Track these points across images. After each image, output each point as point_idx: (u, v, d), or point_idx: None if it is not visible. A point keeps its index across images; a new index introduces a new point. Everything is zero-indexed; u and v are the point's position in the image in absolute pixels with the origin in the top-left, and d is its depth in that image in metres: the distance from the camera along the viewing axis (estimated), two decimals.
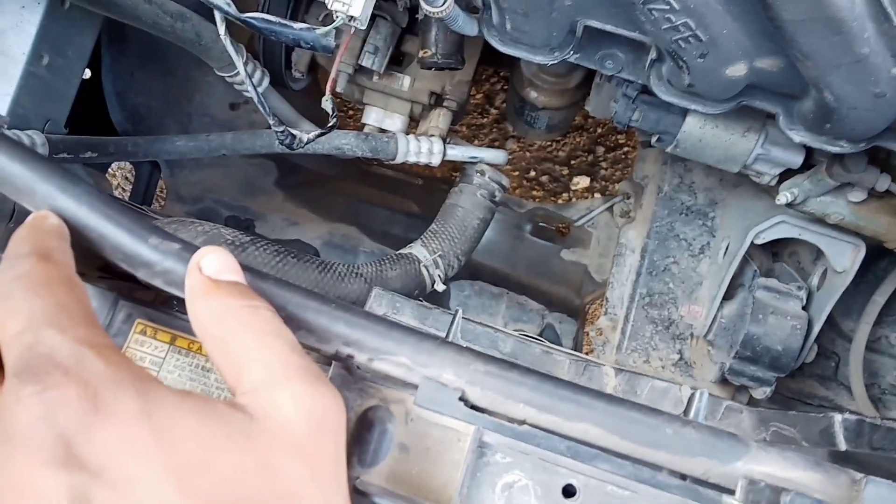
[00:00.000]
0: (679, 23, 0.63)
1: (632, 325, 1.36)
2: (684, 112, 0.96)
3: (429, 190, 1.58)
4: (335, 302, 0.49)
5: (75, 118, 1.04)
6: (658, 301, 1.35)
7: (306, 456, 0.38)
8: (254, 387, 0.39)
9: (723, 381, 1.24)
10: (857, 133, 0.73)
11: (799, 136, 0.79)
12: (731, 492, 0.46)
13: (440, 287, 1.13)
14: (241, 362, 0.40)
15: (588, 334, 1.65)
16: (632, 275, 1.39)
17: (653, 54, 0.76)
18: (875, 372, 1.43)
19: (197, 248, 0.47)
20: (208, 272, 0.42)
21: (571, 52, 0.79)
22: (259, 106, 0.80)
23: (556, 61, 0.80)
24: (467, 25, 0.78)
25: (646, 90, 0.98)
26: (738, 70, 0.69)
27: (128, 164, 1.72)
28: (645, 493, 0.47)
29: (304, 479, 0.37)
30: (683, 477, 0.47)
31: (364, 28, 0.73)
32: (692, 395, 0.52)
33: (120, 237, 0.47)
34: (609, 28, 0.71)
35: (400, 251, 1.15)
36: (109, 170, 1.72)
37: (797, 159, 0.97)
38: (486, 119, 1.96)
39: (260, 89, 1.06)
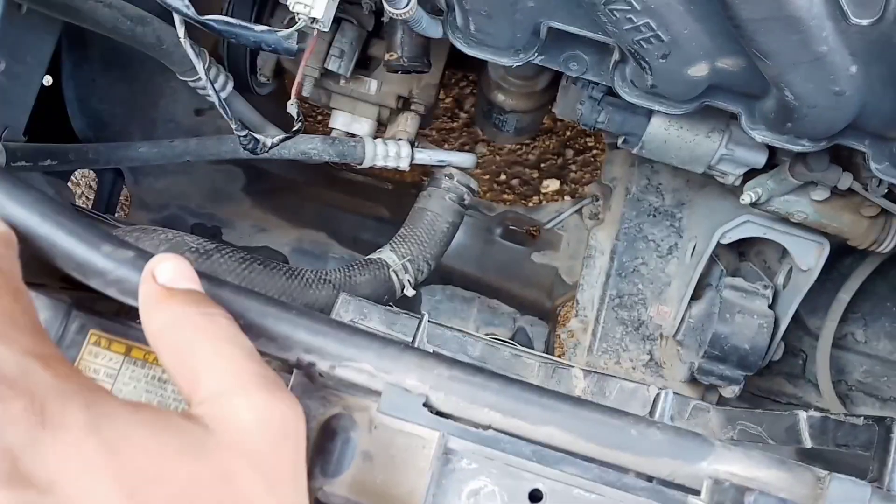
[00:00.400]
0: (640, 23, 0.63)
1: (602, 327, 1.36)
2: (649, 114, 0.96)
3: (399, 195, 1.57)
4: (296, 308, 0.48)
5: (35, 126, 1.01)
6: (628, 302, 1.36)
7: (263, 467, 0.37)
8: (209, 396, 0.38)
9: (692, 380, 1.25)
10: (818, 131, 0.74)
11: (761, 136, 0.79)
12: (697, 492, 0.46)
13: (410, 292, 1.13)
14: (197, 371, 0.39)
15: (560, 337, 1.65)
16: (601, 276, 1.39)
17: (616, 56, 0.76)
18: (842, 368, 1.45)
19: (151, 255, 0.46)
20: (162, 280, 0.41)
21: (536, 54, 0.79)
22: (220, 110, 0.78)
23: (520, 63, 0.80)
24: (431, 27, 0.78)
25: (611, 92, 0.98)
26: (699, 70, 0.69)
27: (91, 172, 1.68)
28: (611, 495, 0.46)
29: (260, 491, 0.36)
30: (650, 479, 0.47)
31: (327, 30, 0.72)
32: (657, 396, 0.52)
33: (71, 245, 0.45)
34: (572, 29, 0.71)
35: (369, 256, 1.14)
36: (72, 178, 1.68)
37: (760, 159, 0.98)
38: (455, 123, 1.96)
39: (224, 94, 1.05)
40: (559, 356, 1.43)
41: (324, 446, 0.47)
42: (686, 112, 0.79)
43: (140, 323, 0.50)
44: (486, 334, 1.39)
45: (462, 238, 1.50)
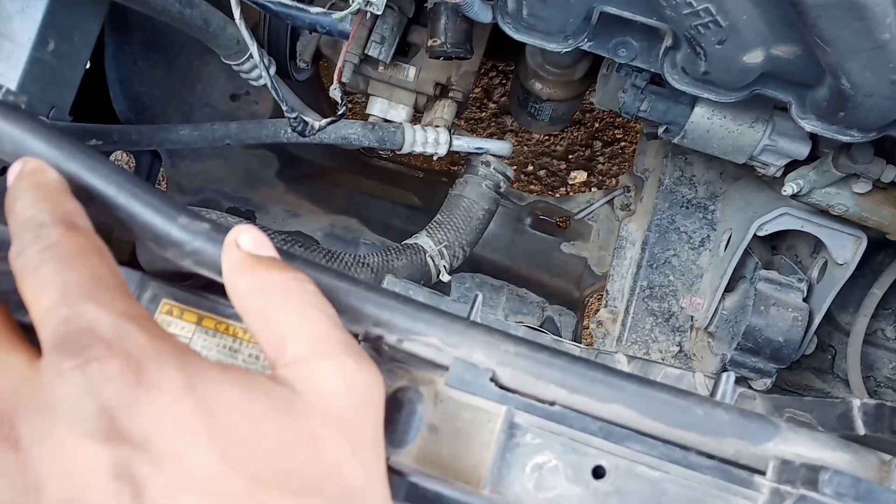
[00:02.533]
0: (700, 8, 0.63)
1: (632, 318, 1.36)
2: (692, 102, 0.96)
3: (429, 182, 1.57)
4: (365, 283, 0.49)
5: (78, 107, 1.03)
6: (658, 293, 1.36)
7: (349, 431, 0.37)
8: (296, 359, 0.38)
9: (723, 371, 1.25)
10: (870, 121, 0.74)
11: (811, 125, 0.79)
12: (762, 472, 0.46)
13: (445, 277, 1.13)
14: (283, 335, 0.39)
15: (588, 327, 1.66)
16: (632, 267, 1.39)
17: (668, 41, 0.76)
18: (871, 364, 1.44)
19: (227, 228, 0.47)
20: (246, 247, 0.42)
21: (585, 40, 0.79)
22: (272, 92, 0.79)
23: (569, 49, 0.80)
24: (482, 12, 0.78)
25: (654, 80, 0.98)
26: (755, 57, 0.69)
27: (125, 155, 1.70)
28: (676, 473, 0.47)
29: (346, 454, 0.37)
30: (713, 458, 0.47)
31: (380, 13, 0.73)
32: (719, 378, 0.52)
33: (149, 217, 0.46)
34: (626, 14, 0.71)
35: (405, 241, 1.15)
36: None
37: (804, 150, 0.97)
38: (484, 113, 1.96)
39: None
40: (587, 346, 1.43)
41: (391, 417, 0.48)
42: (735, 100, 0.79)
43: (210, 294, 0.51)
44: (516, 322, 1.40)
45: (492, 227, 1.50)
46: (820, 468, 0.40)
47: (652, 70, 0.82)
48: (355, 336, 0.49)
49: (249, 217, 1.45)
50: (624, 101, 0.99)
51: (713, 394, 0.52)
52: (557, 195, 1.85)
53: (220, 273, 0.47)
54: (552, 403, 0.48)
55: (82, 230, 0.40)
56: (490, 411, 0.48)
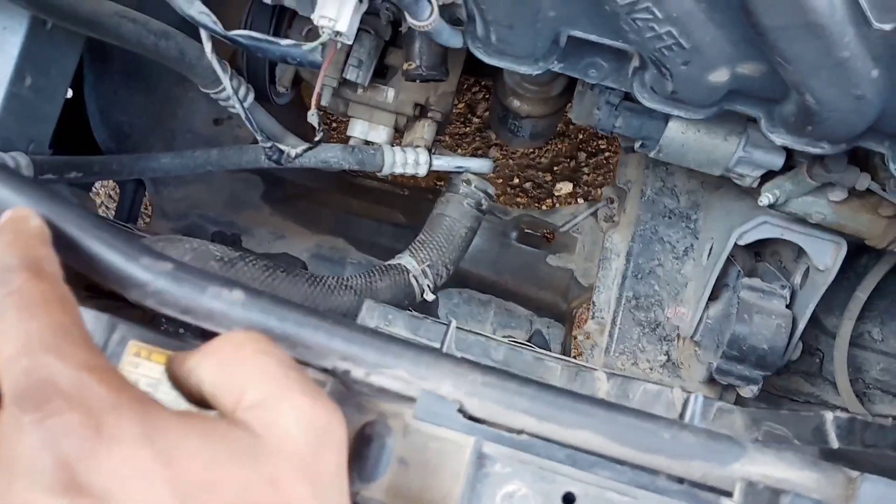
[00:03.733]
0: (663, 31, 0.64)
1: (619, 328, 1.37)
2: (666, 118, 0.97)
3: (414, 200, 1.58)
4: (332, 317, 0.49)
5: (58, 138, 1.03)
6: (644, 304, 1.37)
7: (309, 472, 0.38)
8: (254, 403, 0.39)
9: (710, 380, 1.26)
10: (839, 134, 0.74)
11: (780, 139, 0.80)
12: (729, 494, 0.47)
13: (430, 297, 1.14)
14: (241, 383, 0.40)
15: (576, 338, 1.66)
16: (617, 278, 1.40)
17: (636, 62, 0.77)
18: (859, 367, 1.45)
19: (189, 267, 0.47)
20: None
21: (555, 62, 0.80)
22: (246, 122, 0.80)
23: (540, 71, 0.81)
24: (452, 38, 0.79)
25: (628, 97, 0.99)
26: (720, 76, 0.70)
27: (111, 181, 1.70)
28: (644, 498, 0.47)
29: (307, 495, 0.37)
30: (681, 481, 0.48)
31: (350, 42, 0.73)
32: (687, 399, 0.52)
33: (111, 258, 0.47)
34: (593, 38, 0.72)
35: (389, 262, 1.15)
36: (93, 188, 1.70)
37: (778, 161, 0.98)
38: (468, 128, 1.97)
39: (245, 104, 1.06)
40: (576, 358, 1.43)
41: (360, 452, 0.48)
42: (705, 117, 0.80)
43: (172, 329, 0.51)
44: (504, 336, 1.40)
45: (478, 242, 1.51)
46: (781, 492, 0.40)
47: (623, 89, 0.83)
48: (324, 371, 0.49)
49: (235, 241, 1.45)
50: (599, 118, 1.00)
51: (682, 415, 0.53)
52: (544, 207, 1.86)
53: (183, 312, 0.47)
54: (520, 432, 0.49)
55: (48, 277, 0.41)
56: (459, 442, 0.48)
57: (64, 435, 0.34)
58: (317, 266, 1.46)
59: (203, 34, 0.74)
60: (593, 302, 1.43)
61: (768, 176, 1.03)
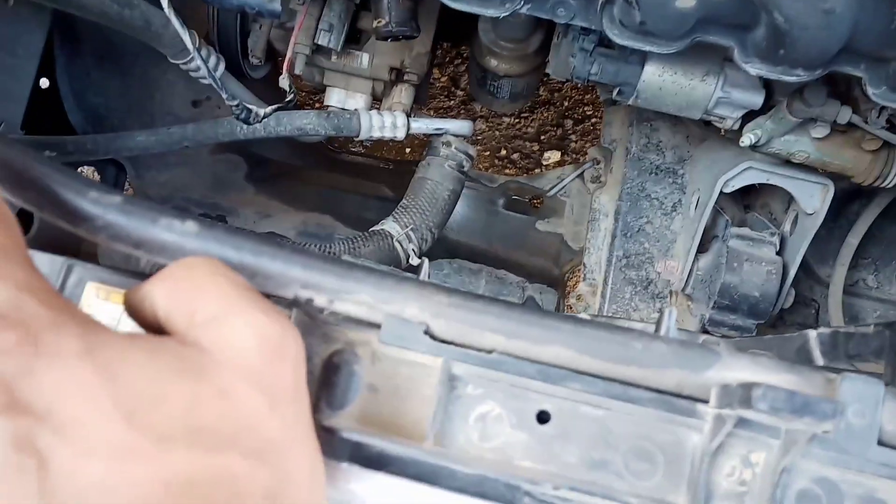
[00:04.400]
0: None
1: (611, 288, 1.36)
2: (642, 61, 0.96)
3: (399, 173, 1.57)
4: (290, 246, 0.48)
5: (35, 126, 1.02)
6: (635, 262, 1.36)
7: (263, 385, 0.37)
8: (205, 320, 0.37)
9: (704, 333, 1.24)
10: (812, 56, 0.73)
11: (755, 69, 0.79)
12: (706, 401, 0.46)
13: (415, 261, 1.13)
14: (193, 302, 0.39)
15: (570, 306, 1.65)
16: (607, 238, 1.39)
17: None
18: (855, 315, 1.44)
19: (138, 201, 0.46)
20: None
21: (522, 2, 0.78)
22: (212, 82, 0.79)
23: (507, 13, 0.79)
24: None
25: (602, 43, 0.97)
26: (687, 1, 0.69)
27: (92, 169, 1.69)
28: (619, 409, 0.46)
29: (261, 408, 0.36)
30: (657, 392, 0.47)
31: None
32: (661, 314, 0.51)
33: (60, 192, 0.46)
34: None
35: (372, 228, 1.14)
36: None
37: (757, 100, 0.97)
38: (452, 101, 1.96)
39: (217, 74, 1.05)
40: None
41: (328, 381, 0.47)
42: (678, 50, 0.79)
43: (139, 274, 0.50)
44: None
45: (466, 211, 1.50)
46: (753, 385, 0.39)
47: (593, 27, 0.82)
48: (287, 303, 0.48)
49: (221, 222, 1.44)
50: (574, 66, 0.98)
51: (657, 329, 0.52)
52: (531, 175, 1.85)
53: (135, 246, 0.46)
54: (490, 351, 0.47)
55: None
56: (428, 365, 0.47)
57: (1, 353, 0.33)
58: (304, 242, 1.44)
59: None
60: (584, 264, 1.41)
61: (749, 118, 1.02)
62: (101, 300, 0.49)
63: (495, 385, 0.47)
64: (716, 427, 0.44)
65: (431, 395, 0.47)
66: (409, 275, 0.56)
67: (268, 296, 0.48)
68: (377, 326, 0.48)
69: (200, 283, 0.40)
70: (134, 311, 0.43)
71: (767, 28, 0.71)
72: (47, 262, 0.49)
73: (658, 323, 0.52)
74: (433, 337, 0.47)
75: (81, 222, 0.45)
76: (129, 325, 0.49)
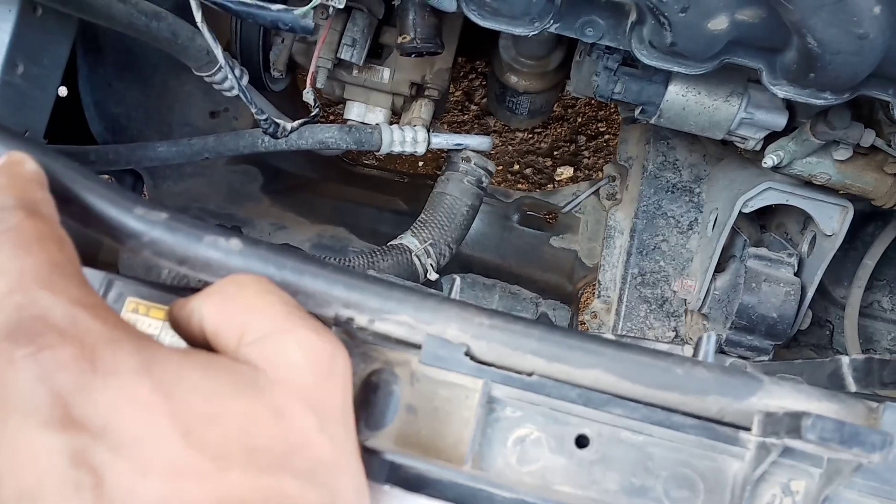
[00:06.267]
0: None
1: (626, 306, 1.35)
2: (666, 80, 0.96)
3: (415, 186, 1.57)
4: (332, 265, 0.48)
5: (55, 135, 1.02)
6: (650, 280, 1.35)
7: (314, 404, 0.37)
8: (256, 338, 0.37)
9: (720, 353, 1.24)
10: (842, 81, 0.73)
11: (783, 91, 0.79)
12: (748, 429, 0.46)
13: (433, 276, 1.12)
14: (244, 320, 0.39)
15: (583, 323, 1.65)
16: (622, 256, 1.39)
17: (633, 16, 0.76)
18: (869, 337, 1.43)
19: (184, 217, 0.46)
20: None
21: (551, 21, 0.79)
22: (241, 94, 0.79)
23: (536, 32, 0.80)
24: (445, 0, 0.78)
25: (626, 62, 0.98)
26: (720, 23, 0.69)
27: (109, 177, 1.69)
28: (660, 435, 0.46)
29: (312, 427, 0.36)
30: (698, 418, 0.46)
31: (341, 6, 0.72)
32: (700, 339, 0.51)
33: (105, 208, 0.46)
34: None
35: (390, 242, 1.14)
36: None
37: (781, 121, 0.97)
38: (466, 116, 1.96)
39: (241, 84, 1.05)
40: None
41: (367, 400, 0.47)
42: (706, 71, 0.79)
43: (178, 290, 0.50)
44: None
45: (480, 226, 1.50)
46: (802, 414, 0.39)
47: (621, 48, 0.82)
48: (326, 319, 0.48)
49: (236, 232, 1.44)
50: (598, 84, 0.99)
51: (695, 354, 0.51)
52: (545, 191, 1.85)
53: (179, 262, 0.46)
54: (530, 374, 0.47)
55: (44, 218, 0.40)
56: (467, 386, 0.47)
57: (58, 369, 0.33)
58: (319, 255, 1.45)
59: (193, 2, 0.73)
60: (599, 281, 1.41)
61: (771, 139, 1.02)
62: (140, 315, 0.50)
63: (535, 408, 0.47)
64: (759, 455, 0.44)
65: (470, 418, 0.47)
66: (450, 297, 0.56)
67: (309, 314, 0.48)
68: (417, 347, 0.48)
69: (251, 301, 0.40)
70: (179, 325, 0.43)
71: (798, 51, 0.71)
72: (88, 277, 0.50)
73: (696, 347, 0.52)
74: (473, 358, 0.47)
75: (127, 238, 0.45)
76: (169, 339, 0.49)
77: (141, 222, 0.45)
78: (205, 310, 0.40)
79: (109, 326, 0.36)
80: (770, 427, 0.43)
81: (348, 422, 0.39)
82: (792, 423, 0.40)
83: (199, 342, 0.41)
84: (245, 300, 0.40)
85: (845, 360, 0.59)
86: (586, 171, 1.92)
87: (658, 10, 0.67)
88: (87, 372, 0.34)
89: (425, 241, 1.12)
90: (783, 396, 0.46)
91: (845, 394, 0.49)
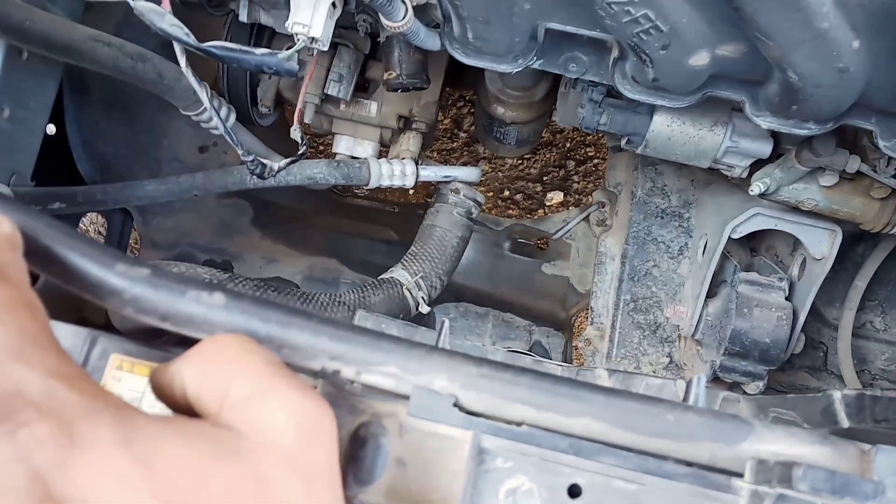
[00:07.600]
0: (639, 15, 0.63)
1: (619, 333, 1.35)
2: (651, 111, 0.96)
3: (405, 217, 1.57)
4: (317, 317, 0.48)
5: (42, 174, 1.02)
6: (643, 306, 1.35)
7: (299, 468, 0.36)
8: (239, 400, 0.37)
9: (715, 379, 1.24)
10: (824, 112, 0.74)
11: (766, 122, 0.79)
12: (740, 475, 0.45)
13: (425, 308, 1.12)
14: (226, 381, 0.38)
15: (577, 348, 1.64)
16: (614, 282, 1.39)
17: (615, 52, 0.76)
18: (863, 357, 1.43)
19: (166, 272, 0.46)
20: None
21: (535, 58, 0.79)
22: (226, 137, 0.79)
23: (519, 69, 0.80)
24: (429, 40, 0.78)
25: (611, 93, 0.98)
26: (701, 59, 0.70)
27: (99, 218, 1.69)
28: (652, 484, 0.45)
29: (298, 492, 0.35)
30: (690, 465, 0.46)
31: (326, 48, 0.73)
32: (690, 381, 0.51)
33: (86, 266, 0.45)
34: (570, 29, 0.72)
35: (381, 276, 1.14)
36: (81, 224, 1.69)
37: (766, 149, 0.97)
38: (455, 143, 1.97)
39: (227, 124, 1.05)
40: (579, 366, 1.41)
41: (355, 454, 0.47)
42: (689, 104, 0.79)
43: (163, 345, 0.50)
44: (503, 349, 1.38)
45: (472, 254, 1.50)
46: (793, 464, 0.38)
47: (604, 82, 0.82)
48: (314, 374, 0.48)
49: (226, 267, 1.44)
50: (583, 116, 0.99)
51: (685, 398, 0.51)
52: (535, 217, 1.85)
53: (162, 319, 0.45)
54: (520, 424, 0.47)
55: (13, 282, 0.39)
56: (457, 438, 0.47)
57: (36, 446, 0.33)
58: (310, 288, 1.44)
59: (177, 48, 0.73)
60: (591, 307, 1.41)
61: (757, 166, 1.03)
62: (125, 372, 0.49)
63: (525, 459, 0.46)
64: (752, 503, 0.44)
65: (461, 470, 0.46)
66: (438, 345, 0.55)
67: (295, 367, 0.47)
68: (405, 398, 0.47)
69: (232, 362, 0.39)
70: (161, 391, 0.42)
71: (780, 84, 0.71)
72: (71, 334, 0.49)
73: (686, 391, 0.51)
74: (462, 409, 0.47)
75: (108, 296, 0.45)
76: (152, 398, 0.49)
77: (123, 279, 0.45)
78: (186, 373, 0.39)
79: (87, 397, 0.35)
80: (762, 475, 0.43)
81: (335, 484, 0.38)
82: (784, 473, 0.40)
83: (182, 407, 0.40)
84: (226, 361, 0.39)
85: (837, 395, 0.58)
86: (576, 196, 1.93)
87: (639, 48, 0.68)
88: (65, 448, 0.33)
89: (416, 274, 1.11)
90: (775, 441, 0.45)
91: (837, 435, 0.49)
